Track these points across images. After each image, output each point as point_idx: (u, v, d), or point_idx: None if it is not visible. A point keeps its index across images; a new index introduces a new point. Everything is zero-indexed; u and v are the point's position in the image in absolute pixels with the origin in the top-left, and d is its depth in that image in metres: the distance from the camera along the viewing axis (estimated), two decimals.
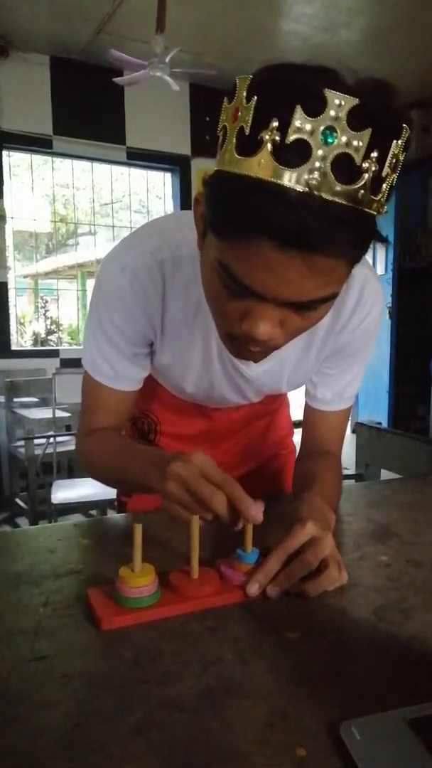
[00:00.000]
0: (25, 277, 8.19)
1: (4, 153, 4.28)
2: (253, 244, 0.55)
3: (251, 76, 0.54)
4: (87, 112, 4.44)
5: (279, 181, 0.52)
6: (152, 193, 5.22)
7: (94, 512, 2.88)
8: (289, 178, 0.51)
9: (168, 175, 5.04)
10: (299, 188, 0.51)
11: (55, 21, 3.86)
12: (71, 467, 3.75)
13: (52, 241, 8.77)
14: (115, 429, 0.92)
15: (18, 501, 3.64)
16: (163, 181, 5.11)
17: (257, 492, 0.68)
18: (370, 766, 0.40)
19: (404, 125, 0.55)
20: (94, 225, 5.41)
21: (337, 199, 0.52)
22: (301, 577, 0.65)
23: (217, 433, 1.07)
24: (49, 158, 4.73)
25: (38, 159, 4.78)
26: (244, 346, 0.66)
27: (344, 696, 0.49)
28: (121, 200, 5.84)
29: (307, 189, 0.51)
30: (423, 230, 5.37)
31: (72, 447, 3.26)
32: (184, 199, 4.83)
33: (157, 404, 1.05)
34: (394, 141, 0.54)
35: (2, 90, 4.14)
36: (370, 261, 5.41)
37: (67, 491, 2.74)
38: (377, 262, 5.42)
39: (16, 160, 4.70)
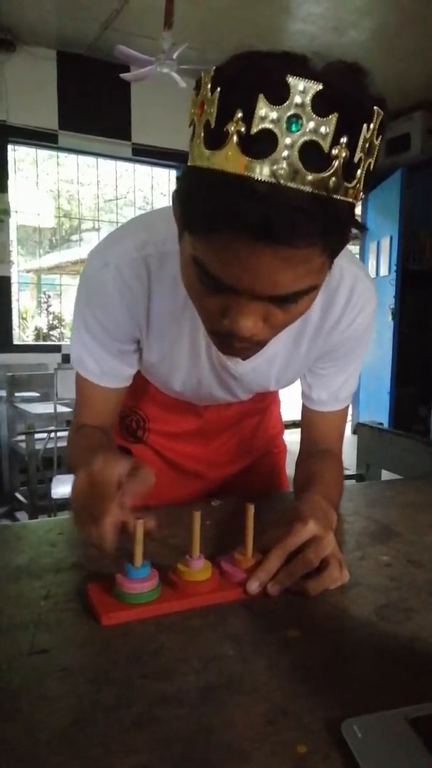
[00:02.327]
0: (28, 272, 8.19)
1: (10, 147, 4.28)
2: (223, 239, 0.54)
3: (215, 68, 0.53)
4: (93, 108, 4.44)
5: (247, 174, 0.50)
6: (157, 190, 5.21)
7: None
8: (255, 169, 0.50)
9: (173, 172, 5.03)
10: (267, 179, 0.50)
11: (62, 16, 3.85)
12: None
13: (56, 237, 8.77)
14: (99, 427, 0.90)
15: (18, 495, 3.64)
16: (168, 178, 5.11)
17: (250, 490, 0.68)
18: (371, 764, 0.40)
19: (375, 108, 0.53)
20: (98, 221, 5.41)
21: (306, 188, 0.51)
22: (302, 576, 0.65)
23: (207, 431, 1.06)
24: (54, 153, 4.72)
25: (43, 154, 4.78)
26: (229, 342, 0.65)
27: (345, 694, 0.48)
28: (126, 196, 5.83)
29: (273, 179, 0.50)
30: (427, 231, 5.37)
31: None
32: None
33: (145, 401, 1.04)
34: (365, 125, 0.52)
35: (8, 84, 4.13)
36: (374, 261, 5.44)
37: (67, 486, 2.71)
38: (381, 263, 5.41)
39: (20, 154, 4.70)
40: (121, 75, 3.62)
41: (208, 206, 0.54)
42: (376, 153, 0.56)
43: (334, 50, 0.55)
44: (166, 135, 4.65)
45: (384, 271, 5.36)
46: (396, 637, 0.58)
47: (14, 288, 4.54)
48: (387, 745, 0.41)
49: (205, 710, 0.46)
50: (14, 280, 4.54)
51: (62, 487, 2.72)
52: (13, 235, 4.52)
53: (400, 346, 5.27)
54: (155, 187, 5.20)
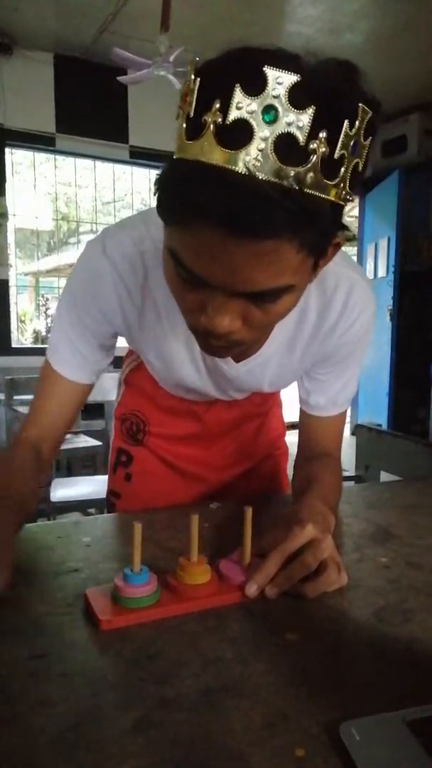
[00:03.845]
0: (26, 274, 8.20)
1: (7, 150, 4.28)
2: (194, 231, 0.53)
3: (198, 59, 0.53)
4: (90, 111, 4.44)
5: (221, 164, 0.50)
6: None
7: (92, 511, 2.88)
8: (229, 160, 0.49)
9: None
10: (241, 170, 0.49)
11: (60, 19, 3.86)
12: (70, 465, 3.75)
13: (54, 239, 8.77)
14: (37, 443, 0.85)
15: None
16: None
17: (251, 493, 0.68)
18: (369, 766, 0.40)
19: (361, 105, 0.52)
20: (96, 223, 5.41)
21: (280, 181, 0.50)
22: (301, 579, 0.64)
23: (207, 435, 1.06)
24: (51, 156, 4.73)
25: (41, 157, 4.79)
26: (207, 340, 0.64)
27: (344, 697, 0.48)
28: (123, 199, 5.84)
29: (247, 171, 0.49)
30: (424, 233, 5.38)
31: (71, 445, 3.26)
32: None
33: (146, 404, 1.04)
34: (347, 121, 0.51)
35: (6, 88, 4.14)
36: (372, 263, 5.45)
37: (65, 489, 2.74)
38: (379, 264, 5.43)
39: (18, 157, 4.71)
40: (118, 78, 3.62)
41: (181, 197, 0.53)
42: (365, 154, 0.55)
43: (331, 53, 0.55)
44: (164, 137, 4.65)
45: (382, 272, 5.37)
46: (395, 639, 0.58)
47: (12, 291, 4.54)
48: (385, 748, 0.41)
49: (204, 714, 0.46)
50: (12, 283, 4.54)
51: (61, 491, 2.71)
52: (11, 238, 4.52)
53: (398, 347, 5.28)
54: (153, 189, 5.20)
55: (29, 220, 5.24)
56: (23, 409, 3.52)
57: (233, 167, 0.49)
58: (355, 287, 0.80)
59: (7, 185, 4.28)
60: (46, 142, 4.38)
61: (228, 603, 0.63)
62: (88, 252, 0.80)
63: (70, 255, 7.86)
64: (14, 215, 4.58)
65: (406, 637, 0.58)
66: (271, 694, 0.49)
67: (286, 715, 0.46)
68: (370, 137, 0.54)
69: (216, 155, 0.50)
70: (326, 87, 0.50)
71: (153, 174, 5.06)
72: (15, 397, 3.76)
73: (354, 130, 0.52)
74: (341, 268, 0.78)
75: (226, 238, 0.52)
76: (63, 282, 6.52)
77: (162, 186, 0.58)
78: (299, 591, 0.64)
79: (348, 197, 0.55)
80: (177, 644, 0.56)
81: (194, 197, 0.51)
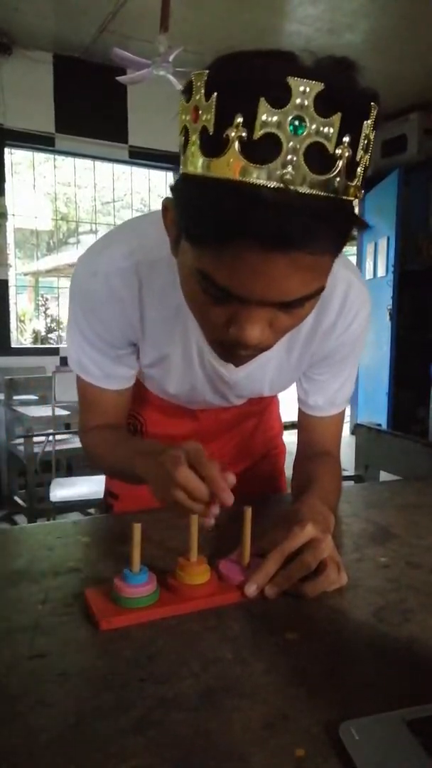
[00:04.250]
0: (25, 274, 8.19)
1: (6, 150, 4.28)
2: (234, 250, 0.52)
3: (207, 72, 0.51)
4: (89, 111, 4.44)
5: (252, 180, 0.49)
6: (154, 192, 5.22)
7: (92, 511, 2.88)
8: (261, 176, 0.49)
9: (170, 174, 5.04)
10: (273, 185, 0.49)
11: (59, 19, 3.86)
12: (70, 465, 3.75)
13: (53, 240, 8.77)
14: (111, 426, 0.91)
15: (16, 499, 3.64)
16: (165, 180, 5.11)
17: (250, 492, 0.68)
18: (369, 766, 0.40)
19: (372, 103, 0.52)
20: (96, 224, 5.41)
21: (313, 191, 0.50)
22: (300, 578, 0.64)
23: (204, 434, 1.06)
24: (51, 156, 4.73)
25: (40, 157, 4.78)
26: (234, 351, 0.64)
27: (343, 697, 0.49)
28: (123, 199, 5.84)
29: (281, 185, 0.49)
30: (424, 232, 5.38)
31: (71, 445, 3.27)
32: None
33: (142, 404, 1.04)
34: (365, 122, 0.52)
35: (5, 88, 4.13)
36: (371, 262, 5.45)
37: (65, 489, 2.74)
38: (378, 263, 5.42)
39: (18, 157, 4.70)
40: (118, 78, 3.62)
41: (217, 217, 0.52)
42: (371, 148, 0.55)
43: (330, 52, 0.55)
44: (163, 137, 4.65)
45: (381, 272, 5.36)
46: (394, 638, 0.58)
47: (12, 291, 4.53)
48: (385, 747, 0.41)
49: (203, 714, 0.46)
50: (12, 283, 4.54)
51: (60, 491, 2.71)
52: (10, 238, 4.51)
53: (398, 347, 5.27)
54: (152, 189, 5.21)
55: (29, 220, 5.23)
56: (23, 409, 3.53)
57: (267, 182, 0.49)
58: (351, 288, 0.81)
59: (7, 185, 4.27)
60: (45, 142, 4.37)
61: (228, 603, 0.63)
62: (80, 273, 0.80)
63: (70, 255, 7.85)
64: (14, 215, 4.58)
65: (406, 636, 0.58)
66: (270, 694, 0.49)
67: (285, 715, 0.46)
68: (374, 130, 0.55)
69: (245, 171, 0.49)
70: (346, 92, 0.50)
71: (152, 174, 5.07)
72: (14, 397, 3.77)
73: (368, 129, 0.53)
74: (338, 268, 0.78)
75: (268, 254, 0.52)
76: (63, 282, 6.53)
77: (189, 208, 0.56)
78: (299, 591, 0.64)
79: (359, 195, 0.56)
80: (176, 644, 0.56)
81: (231, 217, 0.50)
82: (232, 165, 0.49)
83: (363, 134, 0.52)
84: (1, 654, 0.54)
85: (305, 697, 0.48)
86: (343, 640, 0.58)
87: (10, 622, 0.59)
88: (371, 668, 0.53)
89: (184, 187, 0.57)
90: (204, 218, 0.53)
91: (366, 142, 0.53)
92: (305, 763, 0.41)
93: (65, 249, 8.68)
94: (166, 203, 0.64)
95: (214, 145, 0.50)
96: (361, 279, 0.84)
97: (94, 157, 4.74)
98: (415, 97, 4.80)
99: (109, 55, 3.33)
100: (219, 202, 0.51)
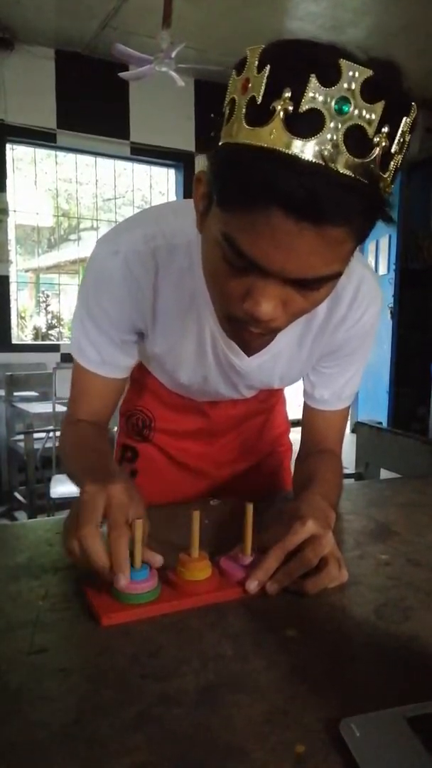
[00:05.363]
0: (26, 271, 8.18)
1: (8, 146, 4.27)
2: (262, 213, 0.53)
3: (262, 47, 0.53)
4: (91, 107, 4.43)
5: (290, 151, 0.50)
6: (155, 189, 5.21)
7: None
8: (300, 148, 0.50)
9: (171, 171, 5.03)
10: (312, 158, 0.50)
11: (61, 15, 3.85)
12: None
13: (54, 236, 8.76)
14: (94, 424, 0.89)
15: (17, 495, 3.64)
16: (166, 177, 5.11)
17: (254, 489, 0.68)
18: (369, 763, 0.40)
19: (413, 104, 0.54)
20: (97, 220, 5.40)
21: (348, 172, 0.51)
22: (301, 575, 0.65)
23: (212, 430, 1.06)
24: (52, 152, 4.72)
25: (41, 153, 4.77)
26: (244, 327, 0.64)
27: (343, 694, 0.49)
28: (124, 196, 5.83)
29: (319, 160, 0.50)
30: (425, 231, 5.37)
31: None
32: (187, 195, 4.82)
33: (151, 400, 1.04)
34: (404, 118, 0.53)
35: (7, 83, 4.13)
36: (373, 260, 5.44)
37: (65, 486, 2.74)
38: (380, 262, 5.41)
39: (19, 153, 4.69)
40: (120, 74, 3.61)
41: (248, 178, 0.53)
42: (405, 149, 0.56)
43: None
44: (165, 134, 4.65)
45: (383, 270, 5.36)
46: (394, 636, 0.58)
47: (13, 287, 4.53)
48: (385, 744, 0.41)
49: (204, 710, 0.46)
50: (13, 279, 4.53)
51: (61, 487, 2.72)
52: (11, 234, 4.51)
53: (398, 345, 5.27)
54: (154, 186, 5.20)
55: (30, 216, 5.21)
56: (23, 405, 3.53)
57: (304, 155, 0.50)
58: (363, 282, 0.81)
59: (8, 181, 4.27)
60: (46, 138, 4.36)
61: (228, 599, 0.63)
62: (99, 252, 0.80)
63: (71, 252, 7.84)
64: (15, 211, 4.57)
65: (406, 634, 0.58)
66: (271, 690, 0.49)
67: (286, 712, 0.46)
68: (410, 133, 0.56)
69: (286, 142, 0.50)
70: (391, 83, 0.53)
71: (154, 170, 5.07)
72: (15, 394, 3.76)
73: (407, 126, 0.54)
74: (354, 263, 0.78)
75: (296, 223, 0.52)
76: (63, 279, 6.52)
77: (224, 169, 0.57)
78: (300, 587, 0.64)
79: (388, 191, 0.56)
80: (177, 640, 0.56)
81: (267, 180, 0.51)
82: (274, 135, 0.51)
83: (401, 130, 0.53)
84: (1, 649, 0.54)
85: (306, 694, 0.48)
86: (344, 637, 0.58)
87: (10, 618, 0.59)
88: (372, 665, 0.53)
89: (223, 152, 0.57)
90: (237, 181, 0.54)
91: (402, 140, 0.54)
92: (305, 760, 0.41)
93: (66, 246, 8.66)
94: (199, 175, 0.64)
95: (259, 115, 0.52)
96: (374, 275, 0.85)
97: (96, 154, 4.73)
98: (417, 95, 4.65)
99: (111, 50, 3.32)
100: (254, 165, 0.52)
